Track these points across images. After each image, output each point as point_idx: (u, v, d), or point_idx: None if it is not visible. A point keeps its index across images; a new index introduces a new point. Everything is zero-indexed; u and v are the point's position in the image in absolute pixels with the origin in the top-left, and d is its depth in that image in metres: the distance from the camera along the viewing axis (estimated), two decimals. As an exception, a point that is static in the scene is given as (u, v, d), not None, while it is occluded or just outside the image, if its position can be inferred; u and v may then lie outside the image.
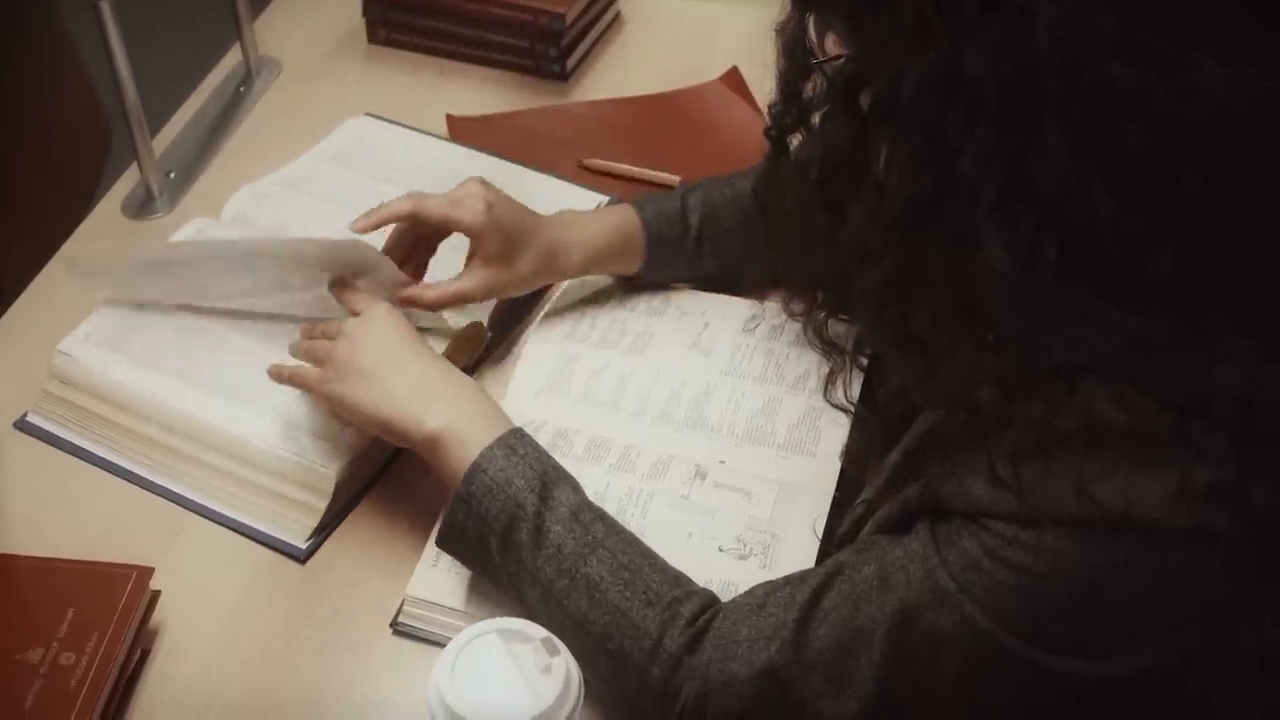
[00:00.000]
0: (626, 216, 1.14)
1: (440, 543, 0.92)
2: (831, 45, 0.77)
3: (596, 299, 1.18)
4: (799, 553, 0.96)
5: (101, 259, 1.17)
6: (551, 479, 0.89)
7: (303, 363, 1.02)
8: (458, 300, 1.08)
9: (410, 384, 0.95)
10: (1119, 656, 0.73)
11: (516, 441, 0.91)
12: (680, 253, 1.15)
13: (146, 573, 0.94)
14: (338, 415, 1.00)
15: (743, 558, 0.96)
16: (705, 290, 1.19)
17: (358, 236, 1.06)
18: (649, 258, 1.14)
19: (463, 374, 0.98)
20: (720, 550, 0.96)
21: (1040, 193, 0.66)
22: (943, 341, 0.74)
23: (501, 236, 1.07)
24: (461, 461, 0.90)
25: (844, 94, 0.74)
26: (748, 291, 1.15)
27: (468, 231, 1.07)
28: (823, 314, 0.88)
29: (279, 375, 1.02)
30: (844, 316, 0.90)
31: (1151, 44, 0.64)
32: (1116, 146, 0.65)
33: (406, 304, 1.05)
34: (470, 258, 1.08)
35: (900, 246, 0.72)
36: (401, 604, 0.96)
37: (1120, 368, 0.68)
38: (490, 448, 0.90)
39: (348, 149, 1.36)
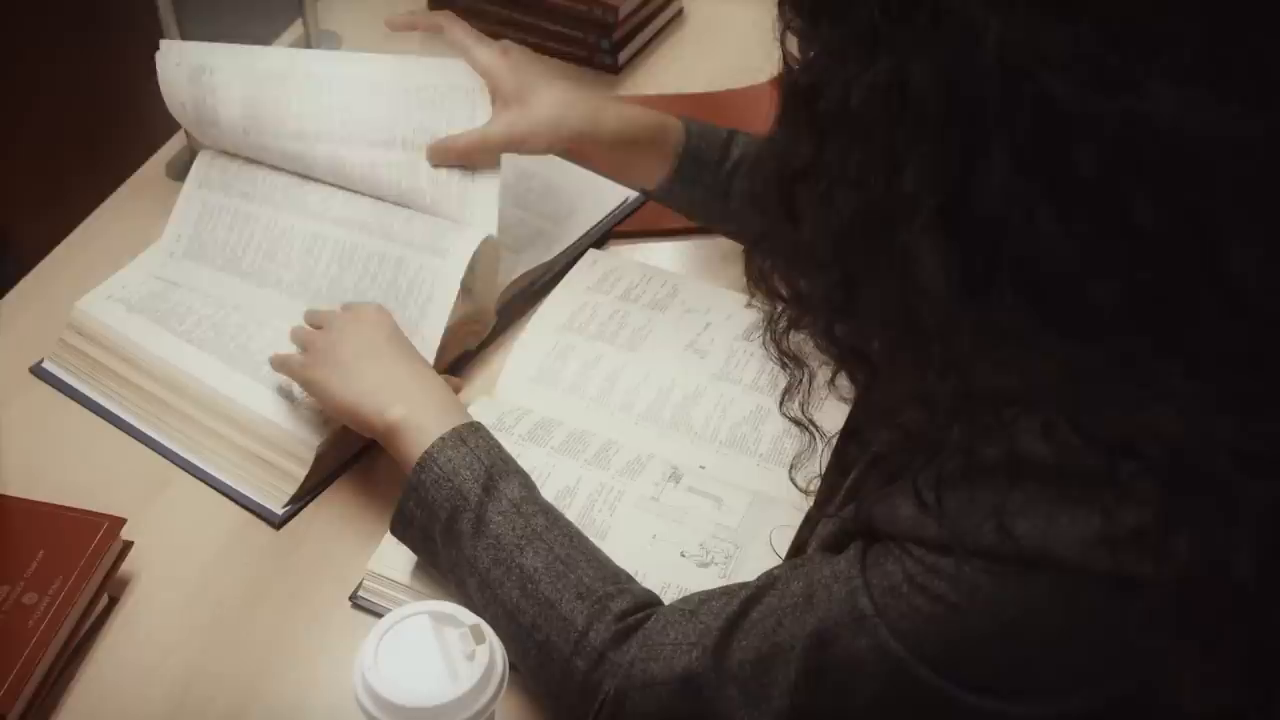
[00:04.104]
0: (670, 118, 1.14)
1: (393, 529, 0.93)
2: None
3: (602, 286, 1.17)
4: (762, 565, 0.92)
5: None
6: (499, 471, 0.90)
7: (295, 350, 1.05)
8: (482, 145, 1.11)
9: (381, 377, 0.97)
10: (1037, 700, 0.70)
11: (469, 434, 0.92)
12: (710, 178, 1.14)
13: (118, 523, 0.96)
14: (313, 398, 1.03)
15: (703, 565, 0.94)
16: (714, 285, 1.18)
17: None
18: (678, 167, 1.13)
19: (434, 373, 1.00)
20: (682, 555, 0.95)
21: (983, 212, 0.64)
22: (885, 357, 0.72)
23: (514, 76, 1.10)
24: (416, 451, 0.91)
25: (803, 100, 0.72)
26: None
27: (479, 66, 1.12)
28: (783, 324, 0.86)
29: (273, 362, 1.05)
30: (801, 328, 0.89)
31: (1102, 62, 0.61)
32: (1063, 168, 0.62)
33: (437, 154, 1.11)
34: (493, 106, 1.12)
35: (847, 259, 0.70)
36: (363, 578, 0.97)
37: (1054, 398, 0.65)
38: (442, 439, 0.91)
39: None
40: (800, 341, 0.82)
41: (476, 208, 1.11)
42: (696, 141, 1.13)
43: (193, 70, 1.17)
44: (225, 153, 1.21)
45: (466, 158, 1.12)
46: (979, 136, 0.63)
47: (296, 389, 1.04)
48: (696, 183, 1.14)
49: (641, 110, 1.15)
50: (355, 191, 1.16)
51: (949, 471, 0.68)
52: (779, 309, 0.80)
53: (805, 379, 0.82)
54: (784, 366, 0.81)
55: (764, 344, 0.82)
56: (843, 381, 0.79)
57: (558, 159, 1.29)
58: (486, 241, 1.09)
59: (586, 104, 1.12)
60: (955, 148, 0.64)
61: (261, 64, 1.19)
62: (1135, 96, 0.60)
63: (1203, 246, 0.63)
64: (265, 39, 1.50)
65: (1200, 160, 0.61)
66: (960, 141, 0.63)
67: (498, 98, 1.11)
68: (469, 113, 1.13)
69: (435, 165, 1.12)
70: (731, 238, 1.20)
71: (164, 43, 1.19)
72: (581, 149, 1.13)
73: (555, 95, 1.11)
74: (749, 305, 1.12)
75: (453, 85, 1.13)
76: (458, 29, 1.14)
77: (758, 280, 0.80)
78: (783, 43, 0.76)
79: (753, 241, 0.82)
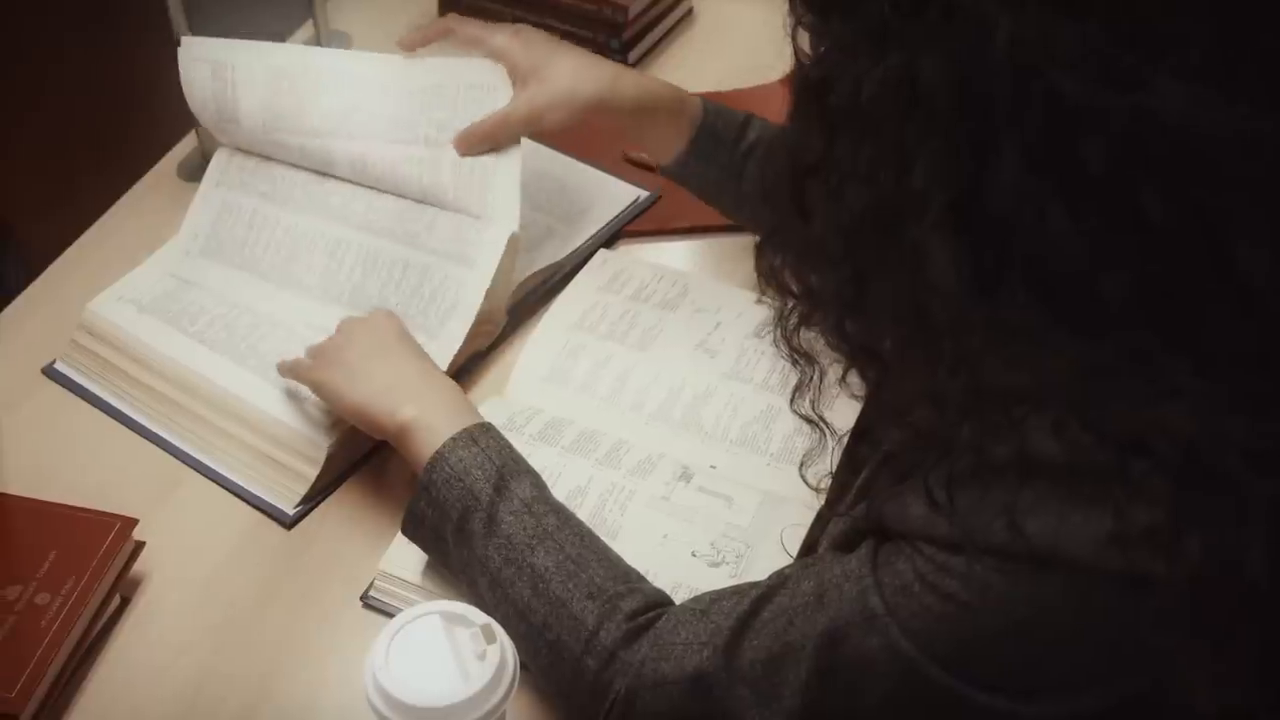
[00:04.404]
0: (688, 93, 1.14)
1: (404, 529, 0.93)
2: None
3: (613, 285, 1.17)
4: (773, 565, 0.92)
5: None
6: (510, 471, 0.90)
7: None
8: (505, 123, 1.11)
9: (391, 378, 0.98)
10: (1048, 699, 0.70)
11: (480, 434, 0.92)
12: (725, 156, 1.13)
13: (130, 523, 0.97)
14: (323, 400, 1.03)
15: (714, 565, 0.94)
16: (725, 283, 1.18)
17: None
18: (693, 141, 1.13)
19: (444, 374, 1.00)
20: (693, 555, 0.95)
21: (993, 208, 0.64)
22: (895, 354, 0.71)
23: (527, 53, 1.11)
24: (428, 451, 0.91)
25: (813, 95, 0.72)
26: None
27: (494, 50, 1.12)
28: (793, 320, 0.86)
29: (280, 367, 1.06)
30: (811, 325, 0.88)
31: (1110, 59, 0.60)
32: (1072, 164, 0.62)
33: (463, 143, 1.11)
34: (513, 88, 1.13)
35: (858, 254, 0.70)
36: (374, 578, 0.97)
37: (1064, 396, 0.65)
38: (454, 439, 0.91)
39: None
40: (811, 338, 0.82)
41: (498, 200, 1.12)
42: (713, 118, 1.13)
43: (215, 66, 1.18)
44: (242, 151, 1.21)
45: (491, 140, 1.12)
46: (989, 132, 0.63)
47: (305, 391, 1.04)
48: (712, 160, 1.14)
49: (660, 81, 1.15)
50: (377, 190, 1.16)
51: (960, 470, 0.68)
52: (789, 305, 0.81)
53: (816, 376, 0.82)
54: (794, 363, 0.81)
55: (774, 340, 0.82)
56: (854, 379, 0.79)
57: (568, 158, 1.30)
58: (508, 240, 1.10)
59: (603, 71, 1.12)
60: (965, 144, 0.63)
61: (284, 59, 1.19)
62: (1143, 93, 0.60)
63: (1211, 244, 0.62)
64: (275, 39, 1.50)
65: (1207, 157, 0.61)
66: (970, 137, 0.63)
67: (515, 77, 1.11)
68: (492, 108, 1.12)
69: (463, 154, 1.12)
70: (743, 224, 1.20)
71: (185, 39, 1.19)
72: (600, 117, 1.13)
73: (570, 65, 1.11)
74: (759, 302, 1.11)
75: (475, 83, 1.13)
76: (466, 26, 1.14)
77: (768, 276, 0.80)
78: (794, 38, 0.76)
79: (764, 236, 0.81)
